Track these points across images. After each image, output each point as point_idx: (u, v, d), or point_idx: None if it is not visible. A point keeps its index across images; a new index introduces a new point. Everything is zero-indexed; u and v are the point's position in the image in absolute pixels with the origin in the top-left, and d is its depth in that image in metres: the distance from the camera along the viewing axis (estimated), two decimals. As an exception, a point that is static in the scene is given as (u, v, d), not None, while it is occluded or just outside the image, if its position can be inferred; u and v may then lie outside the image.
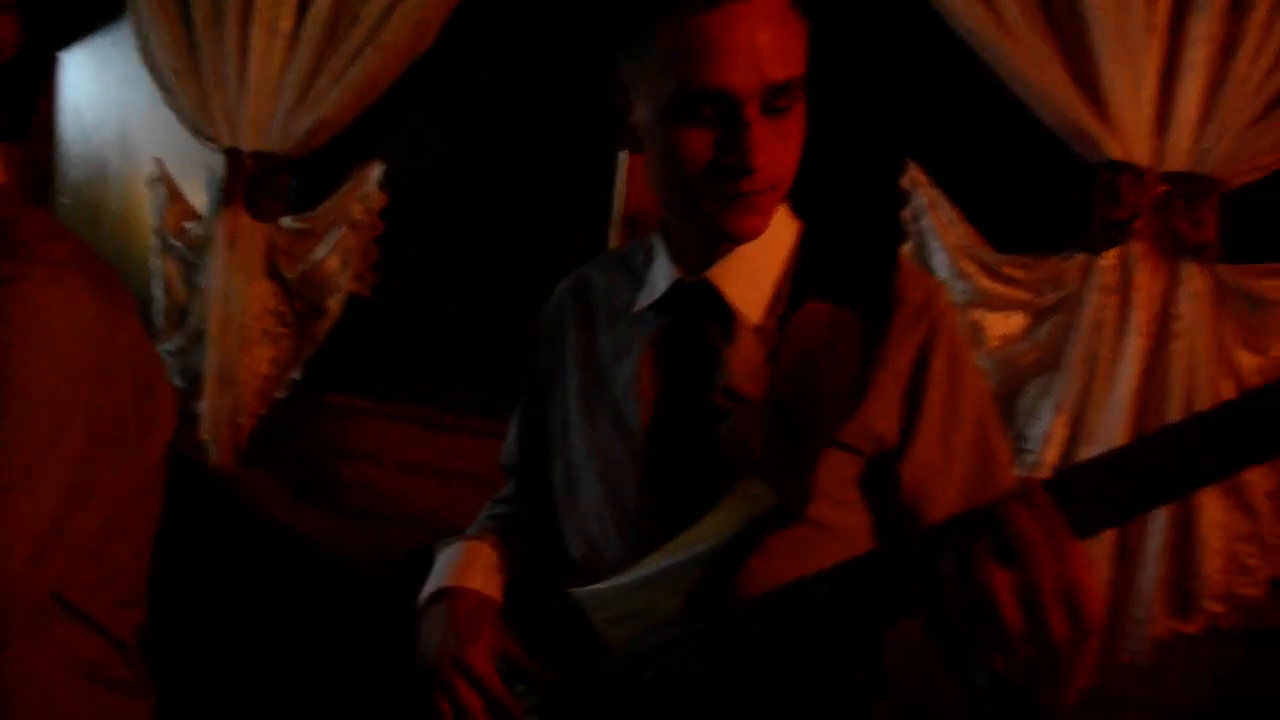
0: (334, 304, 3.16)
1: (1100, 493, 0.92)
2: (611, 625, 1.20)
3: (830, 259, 1.30)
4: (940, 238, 2.39)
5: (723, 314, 1.26)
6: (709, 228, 1.21)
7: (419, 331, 3.26)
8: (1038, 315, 2.34)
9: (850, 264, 1.29)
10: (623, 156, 2.82)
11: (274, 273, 3.18)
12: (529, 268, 3.09)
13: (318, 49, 2.98)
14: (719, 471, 1.19)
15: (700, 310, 1.27)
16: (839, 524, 1.22)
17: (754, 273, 1.27)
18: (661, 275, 1.32)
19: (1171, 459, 0.89)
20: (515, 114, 3.10)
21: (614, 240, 2.81)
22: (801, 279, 1.28)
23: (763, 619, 1.08)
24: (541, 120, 3.07)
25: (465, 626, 1.27)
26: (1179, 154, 2.25)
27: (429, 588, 1.36)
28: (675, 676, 1.13)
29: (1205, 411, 0.89)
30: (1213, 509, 2.23)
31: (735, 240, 1.23)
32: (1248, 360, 2.23)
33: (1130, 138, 2.26)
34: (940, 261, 2.38)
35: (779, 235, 1.30)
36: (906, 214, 2.44)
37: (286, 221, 3.17)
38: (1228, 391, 2.22)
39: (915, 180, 2.43)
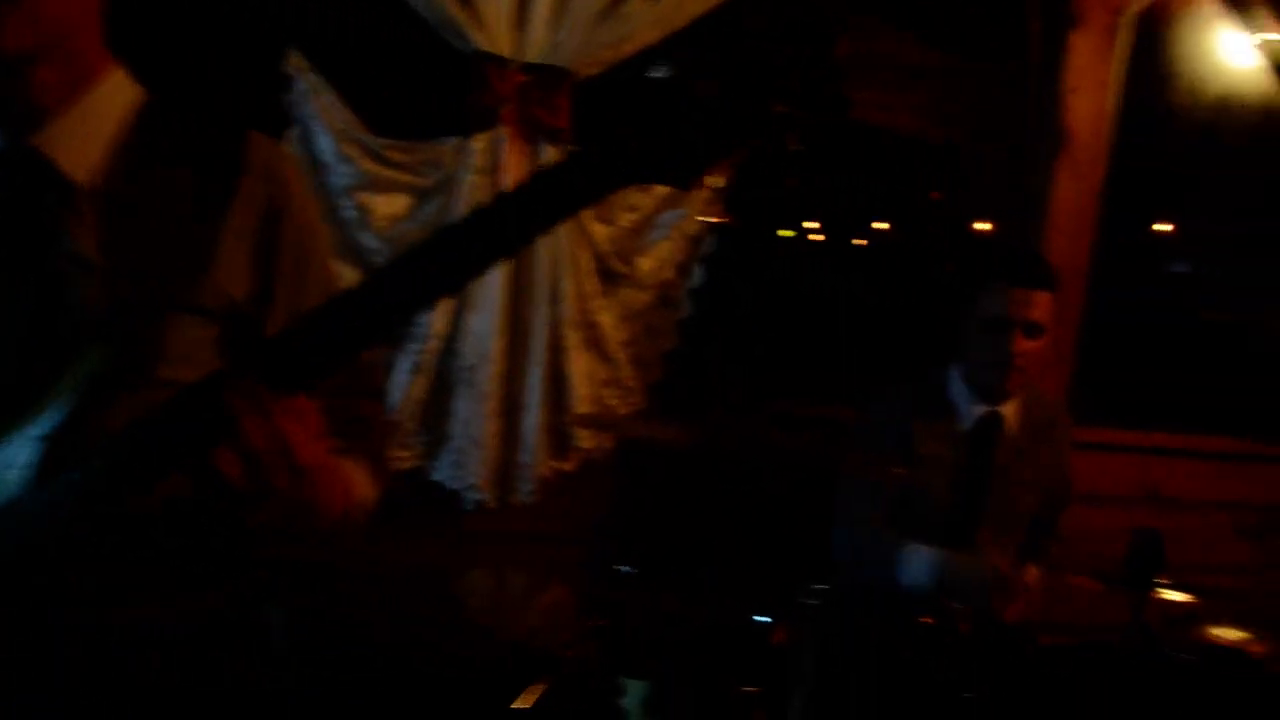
0: None
1: (300, 354, 1.04)
2: None
3: (175, 126, 1.31)
4: (323, 122, 2.46)
5: (57, 181, 1.22)
6: None
7: None
8: (420, 196, 2.51)
9: (194, 132, 1.30)
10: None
11: None
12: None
13: None
14: (67, 339, 1.19)
15: (32, 177, 1.21)
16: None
17: (86, 136, 1.25)
18: None
19: (334, 323, 1.03)
20: None
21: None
22: (141, 144, 1.27)
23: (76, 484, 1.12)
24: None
25: None
26: (536, 46, 2.49)
27: None
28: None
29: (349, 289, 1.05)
30: (579, 360, 2.57)
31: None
32: (600, 230, 2.57)
33: (494, 30, 2.46)
34: (325, 146, 2.45)
35: (114, 98, 1.28)
36: (288, 99, 2.48)
37: None
38: (586, 257, 2.56)
39: (296, 66, 2.47)
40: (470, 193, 2.48)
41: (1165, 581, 1.92)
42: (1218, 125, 3.51)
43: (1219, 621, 2.37)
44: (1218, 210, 3.88)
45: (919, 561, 2.30)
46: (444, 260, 1.04)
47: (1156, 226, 4.03)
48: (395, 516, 2.44)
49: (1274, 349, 3.46)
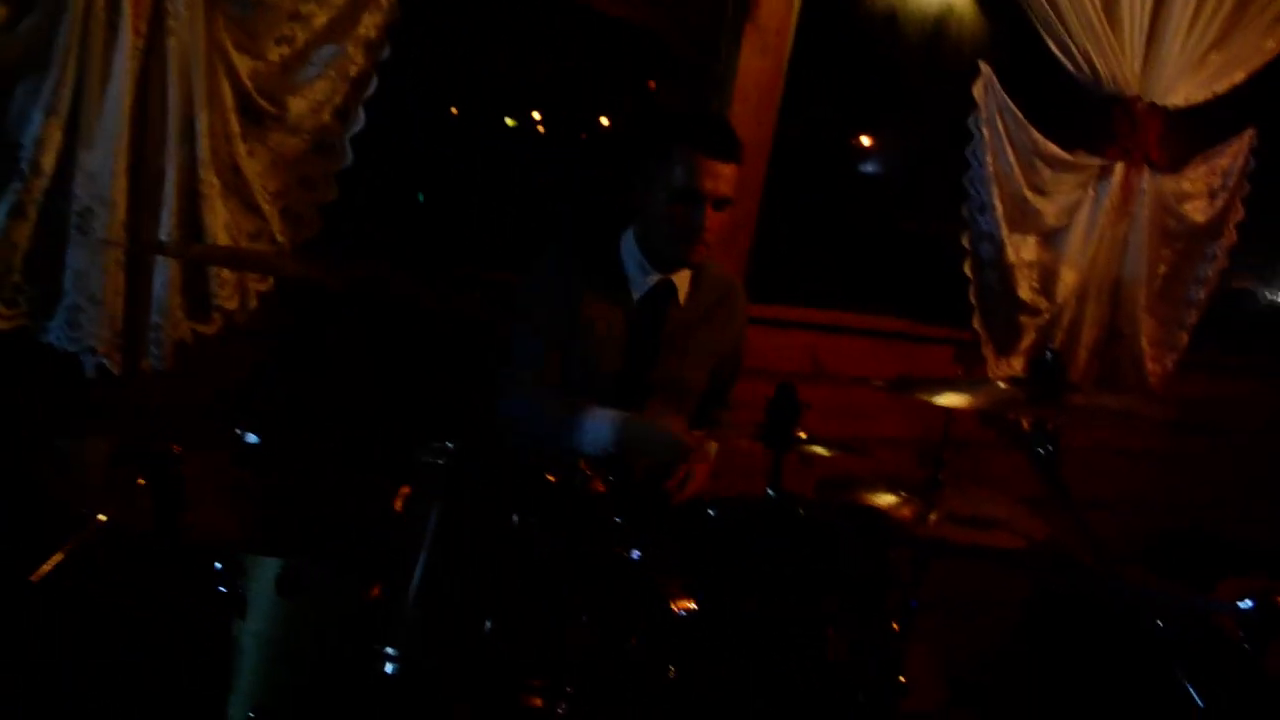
0: None
1: None
2: None
3: None
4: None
5: None
6: None
7: None
8: (16, 8, 2.11)
9: None
10: None
11: None
12: None
13: None
14: None
15: None
16: None
17: None
18: None
19: None
20: None
21: None
22: None
23: None
24: None
25: None
26: None
27: None
28: None
29: None
30: (219, 210, 2.29)
31: None
32: (244, 63, 2.27)
33: None
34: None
35: None
36: None
37: None
38: (226, 92, 2.26)
39: None
40: (82, 7, 2.10)
41: (804, 436, 1.93)
42: (899, 27, 3.62)
43: (874, 489, 2.47)
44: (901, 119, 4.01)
45: (599, 425, 2.23)
46: None
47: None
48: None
49: (939, 245, 3.63)
